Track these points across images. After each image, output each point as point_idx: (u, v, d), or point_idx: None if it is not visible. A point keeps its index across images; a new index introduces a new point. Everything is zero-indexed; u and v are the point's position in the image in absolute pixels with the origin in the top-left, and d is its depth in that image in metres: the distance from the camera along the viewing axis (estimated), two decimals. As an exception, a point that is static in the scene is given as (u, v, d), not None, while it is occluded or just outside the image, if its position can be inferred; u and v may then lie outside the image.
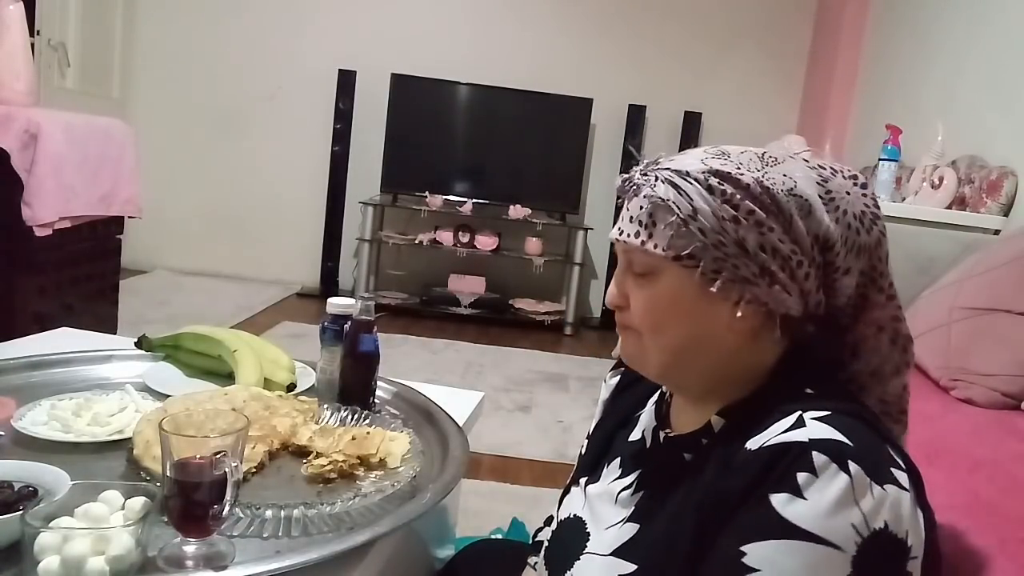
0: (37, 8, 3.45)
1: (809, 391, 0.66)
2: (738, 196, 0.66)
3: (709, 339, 0.69)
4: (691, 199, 0.66)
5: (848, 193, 0.68)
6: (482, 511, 1.89)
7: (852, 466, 0.57)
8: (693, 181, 0.67)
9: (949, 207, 2.60)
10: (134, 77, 4.44)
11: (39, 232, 1.97)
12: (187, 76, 4.52)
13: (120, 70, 4.32)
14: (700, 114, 4.39)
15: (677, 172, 0.68)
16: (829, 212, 0.67)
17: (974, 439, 1.39)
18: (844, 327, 0.72)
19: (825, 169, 0.69)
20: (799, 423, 0.61)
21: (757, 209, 0.66)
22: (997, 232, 2.43)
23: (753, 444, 0.63)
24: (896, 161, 2.70)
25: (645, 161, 0.73)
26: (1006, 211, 2.46)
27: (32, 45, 2.42)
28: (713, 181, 0.67)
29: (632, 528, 0.73)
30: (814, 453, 0.58)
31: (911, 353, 0.74)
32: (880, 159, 2.72)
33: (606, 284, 4.80)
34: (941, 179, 2.62)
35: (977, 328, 1.70)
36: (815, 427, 0.60)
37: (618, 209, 0.76)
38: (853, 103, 4.01)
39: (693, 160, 0.69)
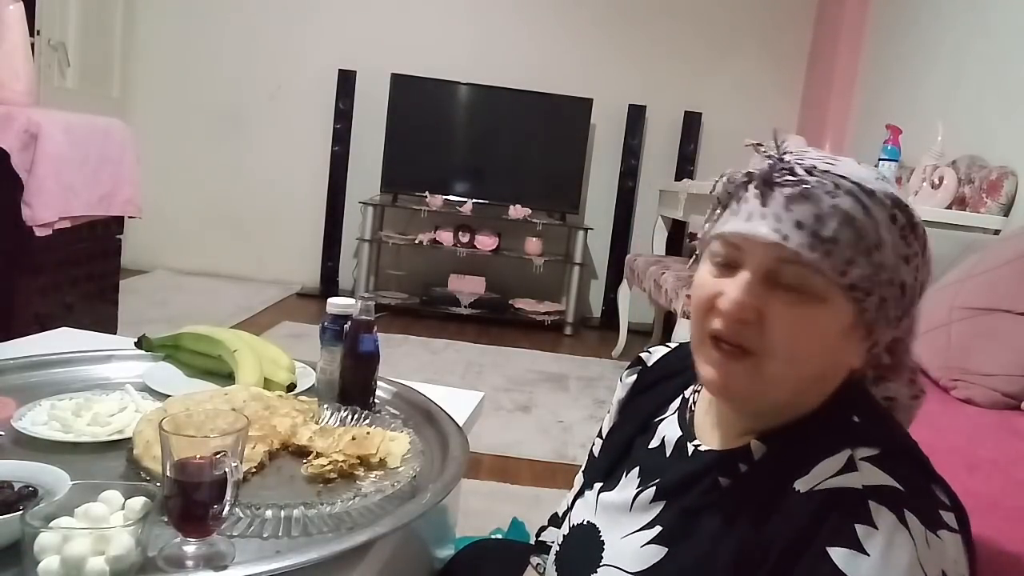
0: (37, 8, 3.45)
1: (855, 419, 0.64)
2: (912, 234, 0.63)
3: (831, 372, 0.66)
4: (879, 226, 0.61)
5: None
6: (482, 511, 1.89)
7: (909, 516, 0.56)
8: (880, 205, 0.61)
9: (949, 207, 2.60)
10: (134, 77, 4.44)
11: (39, 232, 1.97)
12: (187, 76, 4.52)
13: (120, 70, 4.32)
14: (700, 114, 4.39)
15: (862, 188, 0.61)
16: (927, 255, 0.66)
17: (974, 439, 1.39)
18: (879, 362, 0.70)
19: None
20: (850, 465, 0.59)
21: (920, 251, 0.63)
22: (997, 232, 2.43)
23: (802, 486, 0.60)
24: (896, 161, 2.70)
25: (778, 147, 0.65)
26: (1006, 211, 2.46)
27: (32, 45, 2.42)
28: (897, 212, 0.62)
29: (659, 551, 0.70)
30: (871, 503, 0.57)
31: (917, 388, 0.73)
32: (880, 159, 2.72)
33: (606, 284, 4.80)
34: (941, 179, 2.62)
35: (977, 328, 1.70)
36: (868, 472, 0.59)
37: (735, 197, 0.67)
38: (853, 103, 4.01)
39: (866, 175, 0.63)
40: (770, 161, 0.64)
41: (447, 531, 1.33)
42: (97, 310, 2.36)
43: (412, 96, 4.28)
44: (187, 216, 4.59)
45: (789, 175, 0.62)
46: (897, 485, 0.58)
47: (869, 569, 0.55)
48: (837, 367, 0.66)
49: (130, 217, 2.43)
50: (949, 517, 0.59)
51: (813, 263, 0.60)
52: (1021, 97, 2.57)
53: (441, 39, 4.48)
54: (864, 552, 0.55)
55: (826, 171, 0.62)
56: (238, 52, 4.50)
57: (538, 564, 0.94)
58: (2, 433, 0.93)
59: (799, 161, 0.63)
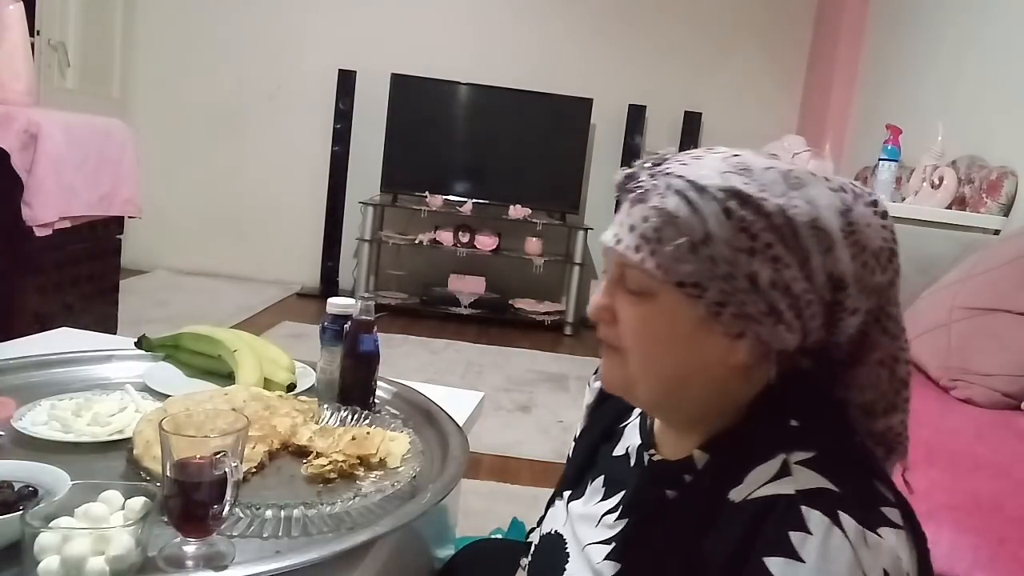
0: (37, 8, 3.45)
1: (793, 423, 0.63)
2: (758, 225, 0.59)
3: (700, 372, 0.65)
4: (705, 221, 0.60)
5: (868, 225, 0.62)
6: (482, 511, 1.89)
7: (843, 517, 0.55)
8: (710, 199, 0.60)
9: (949, 207, 2.60)
10: (134, 77, 4.44)
11: (39, 232, 1.97)
12: (187, 76, 4.52)
13: (120, 70, 4.32)
14: (700, 114, 4.39)
15: (693, 184, 0.61)
16: (848, 247, 0.61)
17: (974, 439, 1.39)
18: (837, 361, 0.67)
19: (847, 193, 0.63)
20: (784, 470, 0.58)
21: (776, 242, 0.59)
22: (997, 232, 2.43)
23: (736, 496, 0.59)
24: (896, 161, 2.70)
25: (652, 158, 0.65)
26: (1006, 211, 2.46)
27: (32, 45, 2.42)
28: (732, 204, 0.59)
29: (613, 566, 0.70)
30: (803, 508, 0.56)
31: (904, 397, 0.68)
32: (880, 159, 2.72)
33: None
34: (941, 179, 2.62)
35: (977, 328, 1.70)
36: (801, 476, 0.58)
37: (617, 207, 0.69)
38: (853, 103, 4.01)
39: (711, 172, 0.61)
40: (630, 170, 0.66)
41: (447, 531, 1.33)
42: (97, 310, 2.36)
43: (412, 96, 4.28)
44: (187, 216, 4.59)
45: (633, 183, 0.64)
46: (831, 487, 0.57)
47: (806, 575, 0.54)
48: (709, 361, 0.64)
49: (130, 217, 2.43)
50: (893, 513, 0.58)
51: (638, 263, 0.62)
52: (1021, 97, 2.57)
53: (441, 39, 4.48)
54: (800, 559, 0.54)
55: (668, 173, 0.62)
56: (238, 52, 4.50)
57: (526, 565, 0.94)
58: (2, 433, 0.93)
59: (652, 166, 0.64)
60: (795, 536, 0.55)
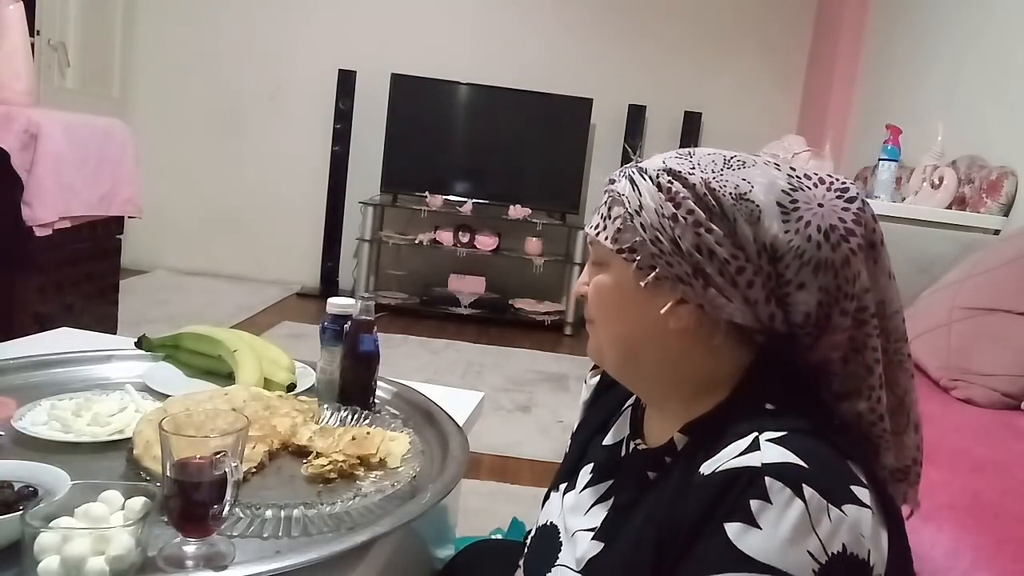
0: (37, 8, 3.45)
1: (769, 407, 0.64)
2: (682, 195, 0.66)
3: (650, 337, 0.70)
4: (640, 194, 0.68)
5: (821, 205, 0.64)
6: (482, 511, 1.89)
7: (807, 490, 0.56)
8: (648, 178, 0.69)
9: (949, 207, 2.60)
10: (134, 77, 4.44)
11: (39, 232, 1.97)
12: (187, 76, 4.52)
13: (120, 70, 4.32)
14: (700, 114, 4.39)
15: (640, 169, 0.70)
16: (787, 222, 0.64)
17: (974, 439, 1.39)
18: (806, 346, 0.67)
19: (809, 179, 0.66)
20: (753, 446, 0.60)
21: (698, 209, 0.65)
22: (997, 232, 2.43)
23: (706, 469, 0.61)
24: (896, 161, 2.70)
25: (637, 159, 0.74)
26: (1006, 211, 2.46)
27: (32, 45, 2.43)
28: (664, 179, 0.68)
29: (597, 546, 0.73)
30: (767, 479, 0.57)
31: (869, 384, 0.67)
32: (880, 159, 2.72)
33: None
34: (941, 179, 2.62)
35: (977, 328, 1.71)
36: (769, 450, 0.59)
37: None
38: (853, 103, 4.01)
39: (659, 159, 0.71)
40: (614, 172, 0.75)
41: (447, 531, 1.33)
42: (97, 310, 2.36)
43: (412, 96, 4.28)
44: (187, 216, 4.59)
45: (610, 178, 0.74)
46: (799, 462, 0.58)
47: (759, 542, 0.56)
48: (653, 326, 0.69)
49: (130, 217, 2.43)
50: (862, 493, 0.59)
51: (596, 238, 0.72)
52: (1021, 97, 2.57)
53: (441, 39, 4.48)
54: (756, 526, 0.56)
55: (631, 166, 0.72)
56: (238, 52, 4.50)
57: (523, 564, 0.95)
58: (2, 433, 0.93)
59: (631, 164, 0.73)
60: (755, 504, 0.57)
